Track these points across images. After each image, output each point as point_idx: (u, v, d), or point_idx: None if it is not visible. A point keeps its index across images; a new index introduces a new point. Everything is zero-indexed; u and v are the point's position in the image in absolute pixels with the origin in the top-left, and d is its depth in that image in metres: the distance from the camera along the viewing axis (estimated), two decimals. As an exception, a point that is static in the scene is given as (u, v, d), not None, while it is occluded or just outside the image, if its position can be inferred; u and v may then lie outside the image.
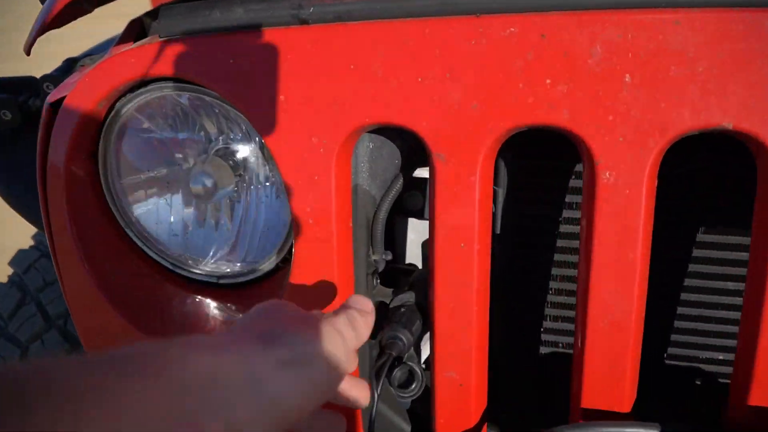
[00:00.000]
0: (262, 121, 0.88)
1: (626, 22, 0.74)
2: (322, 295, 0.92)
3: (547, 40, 0.76)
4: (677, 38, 0.73)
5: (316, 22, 0.86)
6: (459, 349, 0.89)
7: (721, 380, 1.02)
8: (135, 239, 1.12)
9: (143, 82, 0.99)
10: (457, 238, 0.83)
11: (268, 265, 1.08)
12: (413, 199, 1.05)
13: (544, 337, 1.07)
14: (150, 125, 1.06)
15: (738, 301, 0.97)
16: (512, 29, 0.77)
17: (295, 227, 0.91)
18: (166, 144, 1.08)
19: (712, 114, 0.74)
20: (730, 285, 0.97)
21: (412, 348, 0.94)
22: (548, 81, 0.77)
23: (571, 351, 1.06)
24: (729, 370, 1.01)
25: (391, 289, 1.00)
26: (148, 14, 1.04)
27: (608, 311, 0.81)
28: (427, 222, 1.05)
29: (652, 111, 0.75)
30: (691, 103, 0.74)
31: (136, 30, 1.09)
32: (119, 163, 1.06)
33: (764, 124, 0.72)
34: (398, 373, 0.92)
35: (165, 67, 0.93)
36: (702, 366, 1.03)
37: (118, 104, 1.01)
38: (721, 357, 1.01)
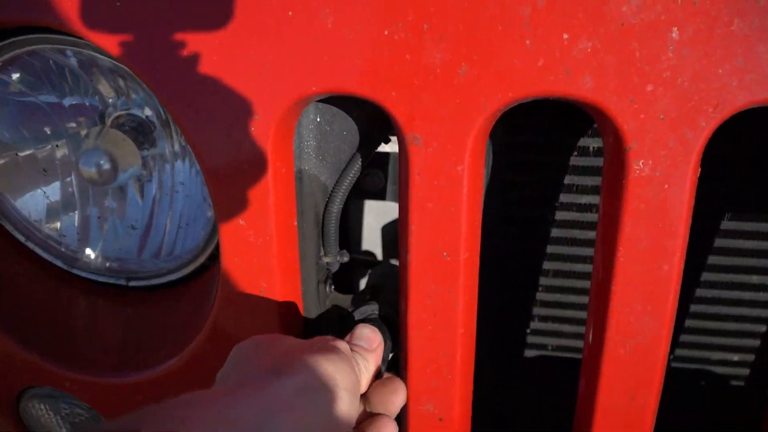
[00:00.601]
0: (168, 90, 0.64)
1: (674, -46, 0.53)
2: (259, 316, 0.71)
3: (564, -22, 0.55)
4: (744, -23, 0.53)
5: (239, -53, 0.61)
6: (439, 377, 0.70)
7: (734, 383, 0.88)
8: (16, 234, 0.87)
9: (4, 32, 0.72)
10: (438, 246, 0.63)
11: (190, 264, 0.85)
12: (373, 178, 0.84)
13: (530, 339, 0.90)
14: (23, 87, 0.80)
15: (762, 296, 0.82)
16: (516, -38, 0.55)
17: (221, 230, 0.68)
18: (47, 112, 0.83)
19: (783, 83, 0.54)
20: (755, 279, 0.81)
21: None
22: (566, 36, 0.56)
23: (561, 354, 0.90)
24: (744, 372, 0.87)
25: (350, 296, 0.80)
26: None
27: (631, 337, 0.63)
28: (389, 203, 0.84)
29: (706, 79, 0.55)
30: (759, 68, 0.54)
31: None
32: (-19, 138, 0.80)
33: None
34: None
35: (26, 12, 0.67)
36: (714, 368, 0.88)
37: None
38: (736, 358, 0.87)
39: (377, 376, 0.66)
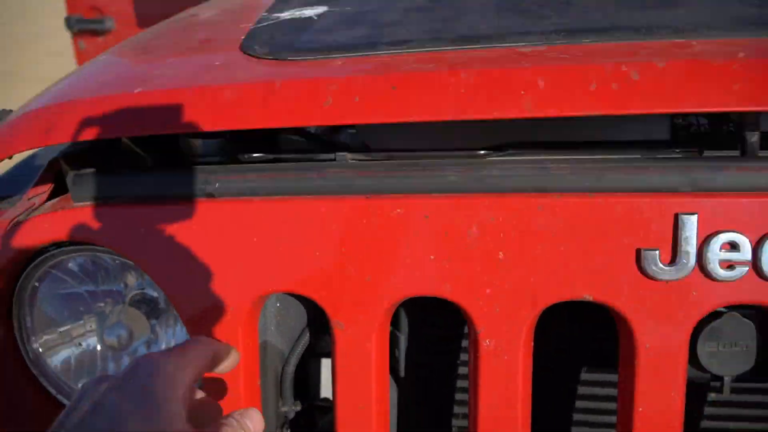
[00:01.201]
0: (173, 289, 0.93)
1: (497, 206, 0.84)
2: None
3: (429, 220, 0.85)
4: (540, 220, 0.83)
5: (222, 195, 0.92)
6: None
7: None
8: (50, 389, 1.13)
9: (56, 244, 1.03)
10: (357, 401, 0.89)
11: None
12: (325, 343, 1.11)
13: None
14: (75, 283, 1.09)
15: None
16: (399, 210, 0.86)
17: (202, 386, 0.95)
18: (84, 297, 1.11)
19: (574, 287, 0.83)
20: (614, 419, 1.05)
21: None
22: (432, 257, 0.85)
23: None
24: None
25: (303, 438, 1.04)
26: (65, 156, 1.07)
27: (497, 465, 0.87)
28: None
29: (523, 284, 0.83)
30: (556, 278, 0.83)
31: (55, 171, 1.11)
32: (34, 319, 1.09)
33: (618, 296, 0.82)
34: None
35: (80, 234, 0.97)
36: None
37: (30, 266, 1.04)
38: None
39: None
